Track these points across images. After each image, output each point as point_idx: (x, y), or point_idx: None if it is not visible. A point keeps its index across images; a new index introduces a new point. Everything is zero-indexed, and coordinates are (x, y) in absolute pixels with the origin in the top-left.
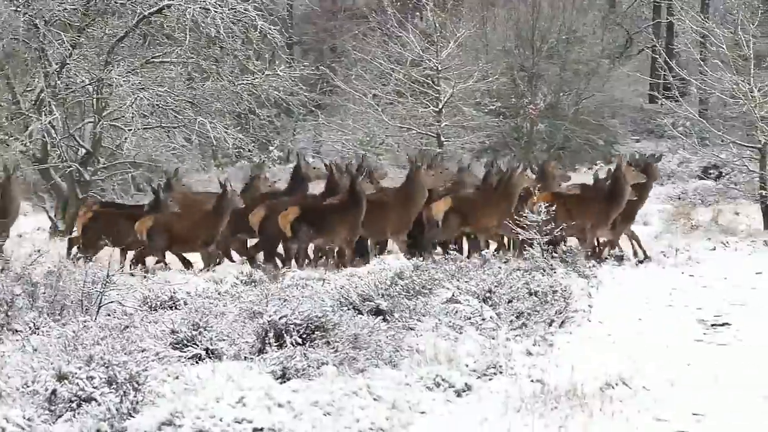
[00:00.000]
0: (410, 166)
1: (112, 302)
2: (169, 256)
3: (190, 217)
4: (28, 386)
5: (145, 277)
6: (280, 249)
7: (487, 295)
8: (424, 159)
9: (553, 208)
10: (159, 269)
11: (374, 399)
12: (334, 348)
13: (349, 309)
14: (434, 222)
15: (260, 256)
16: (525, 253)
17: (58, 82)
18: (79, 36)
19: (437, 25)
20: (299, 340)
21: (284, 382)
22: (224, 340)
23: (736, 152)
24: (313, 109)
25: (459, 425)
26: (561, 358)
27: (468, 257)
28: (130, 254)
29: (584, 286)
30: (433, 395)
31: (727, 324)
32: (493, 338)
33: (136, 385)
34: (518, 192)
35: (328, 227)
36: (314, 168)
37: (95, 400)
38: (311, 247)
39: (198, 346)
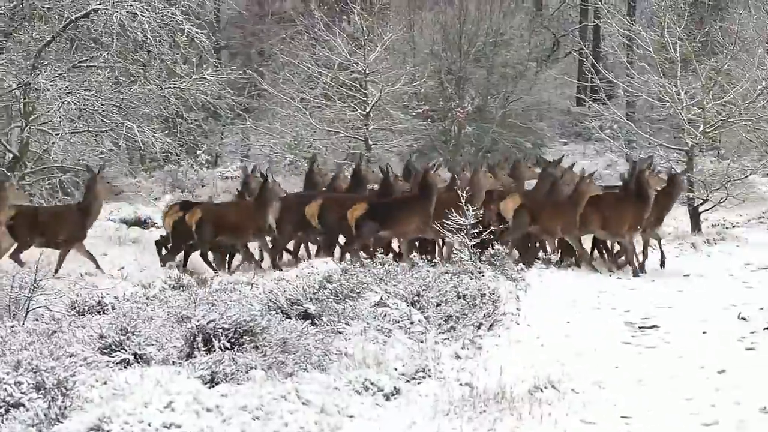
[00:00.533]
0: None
1: (40, 307)
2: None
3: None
4: None
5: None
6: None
7: (416, 298)
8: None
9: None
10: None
11: (303, 403)
12: (262, 352)
13: (277, 313)
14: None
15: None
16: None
17: None
18: (5, 40)
19: (364, 28)
20: (228, 345)
21: (213, 386)
22: (152, 344)
23: (663, 155)
24: (241, 112)
25: (388, 429)
26: (490, 362)
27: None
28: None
29: (512, 289)
30: (361, 399)
31: (654, 326)
32: (422, 342)
33: (64, 391)
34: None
35: (397, 220)
36: (372, 171)
37: (23, 405)
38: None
39: (126, 351)
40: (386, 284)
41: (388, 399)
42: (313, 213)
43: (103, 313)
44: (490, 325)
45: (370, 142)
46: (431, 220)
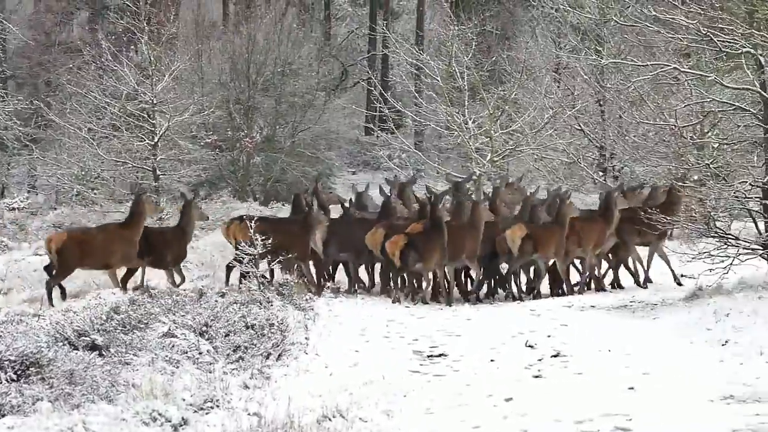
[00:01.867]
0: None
1: None
2: None
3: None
4: None
5: None
6: None
7: (204, 328)
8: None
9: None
10: None
11: None
12: (49, 384)
13: (64, 344)
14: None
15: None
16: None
17: None
18: None
19: (152, 58)
20: (14, 376)
21: None
22: None
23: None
24: (28, 143)
25: None
26: (278, 391)
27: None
28: None
29: (301, 319)
30: (149, 430)
31: (443, 355)
32: (210, 372)
33: None
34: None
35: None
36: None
37: None
38: None
39: None
40: (174, 314)
41: (176, 430)
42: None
43: None
44: (279, 355)
45: (158, 173)
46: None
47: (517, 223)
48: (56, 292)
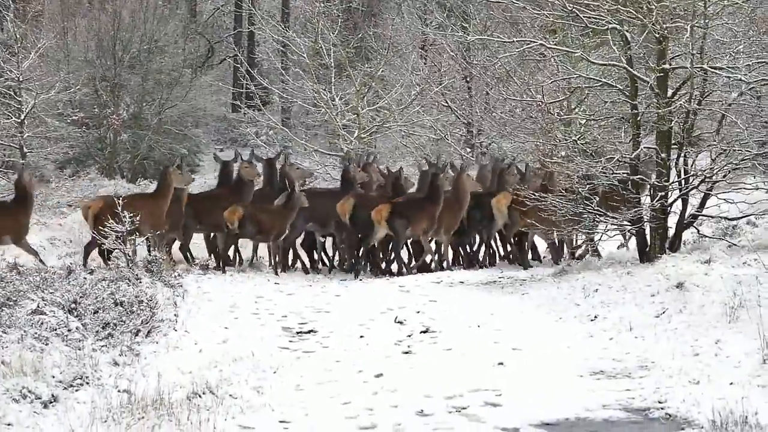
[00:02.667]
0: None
1: None
2: None
3: None
4: None
5: None
6: None
7: (73, 305)
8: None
9: None
10: None
11: None
12: None
13: None
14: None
15: None
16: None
17: None
18: None
19: (18, 35)
20: None
21: None
22: None
23: (320, 160)
24: None
25: None
26: (148, 368)
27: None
28: None
29: (170, 296)
30: (19, 407)
31: (312, 331)
32: (80, 349)
33: None
34: None
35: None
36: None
37: None
38: None
39: None
40: (43, 292)
41: (46, 406)
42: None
43: None
44: (148, 332)
45: (25, 150)
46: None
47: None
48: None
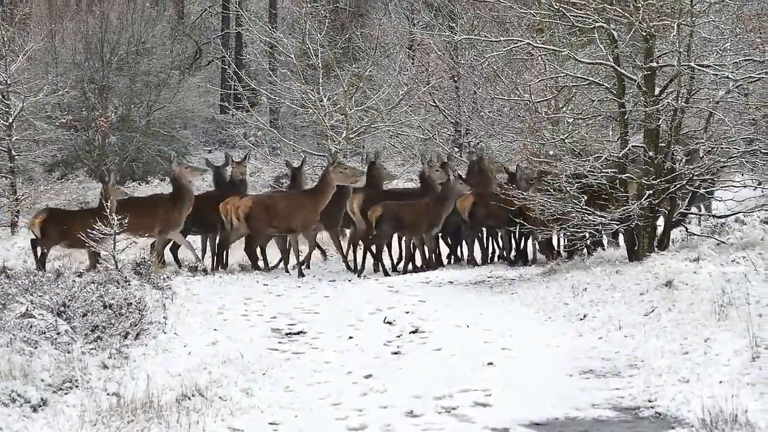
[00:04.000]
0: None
1: None
2: None
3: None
4: None
5: None
6: None
7: (62, 309)
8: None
9: None
10: None
11: None
12: None
13: None
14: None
15: None
16: None
17: None
18: None
19: (5, 39)
20: None
21: None
22: None
23: (308, 161)
24: None
25: None
26: (137, 371)
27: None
28: None
29: (159, 298)
30: (8, 411)
31: (302, 332)
32: (69, 352)
33: None
34: None
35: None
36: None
37: None
38: None
39: None
40: (32, 295)
41: (35, 410)
42: None
43: None
44: (137, 335)
45: (14, 153)
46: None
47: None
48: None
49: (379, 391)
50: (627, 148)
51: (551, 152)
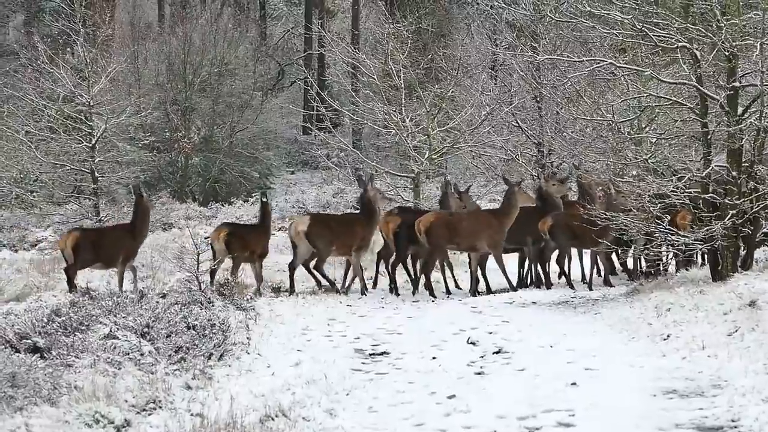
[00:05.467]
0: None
1: None
2: None
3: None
4: None
5: None
6: None
7: (145, 330)
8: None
9: None
10: None
11: None
12: None
13: (6, 347)
14: None
15: None
16: None
17: None
18: None
19: (88, 60)
20: None
21: None
22: None
23: (391, 182)
24: None
25: None
26: (220, 392)
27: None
28: None
29: (242, 319)
30: None
31: (385, 353)
32: (153, 373)
33: None
34: None
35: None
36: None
37: None
38: None
39: None
40: (115, 316)
41: (118, 431)
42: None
43: None
44: (221, 355)
45: (97, 174)
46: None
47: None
48: None
49: (463, 412)
50: (710, 167)
51: (634, 172)
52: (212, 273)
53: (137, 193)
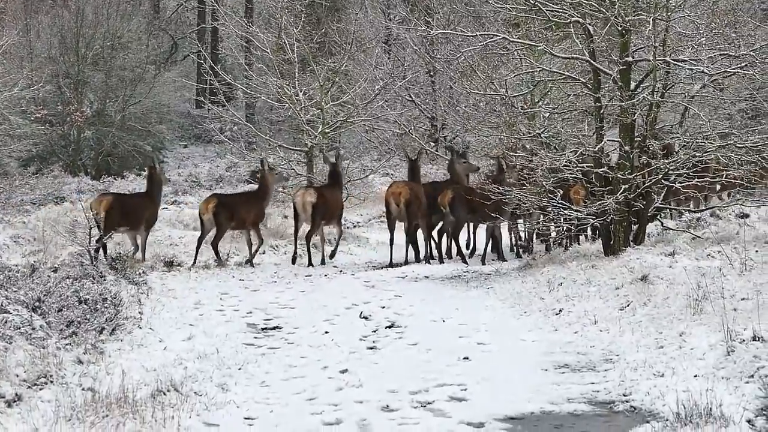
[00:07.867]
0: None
1: None
2: None
3: None
4: None
5: None
6: None
7: (37, 304)
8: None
9: None
10: None
11: None
12: None
13: None
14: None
15: None
16: None
17: None
18: None
19: None
20: None
21: None
22: None
23: (284, 156)
24: None
25: None
26: (112, 366)
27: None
28: None
29: (134, 293)
30: None
31: (277, 327)
32: (44, 347)
33: None
34: None
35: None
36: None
37: None
38: None
39: None
40: (6, 290)
41: (9, 406)
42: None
43: None
44: (113, 330)
45: None
46: None
47: None
48: None
49: (355, 386)
50: (603, 142)
51: (527, 146)
52: (104, 247)
53: (150, 165)
